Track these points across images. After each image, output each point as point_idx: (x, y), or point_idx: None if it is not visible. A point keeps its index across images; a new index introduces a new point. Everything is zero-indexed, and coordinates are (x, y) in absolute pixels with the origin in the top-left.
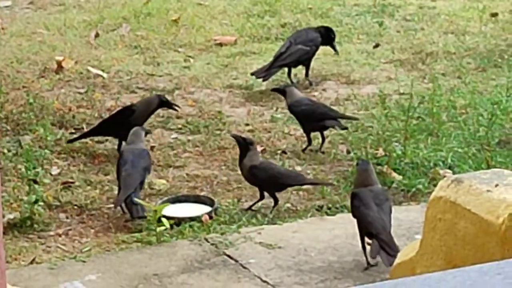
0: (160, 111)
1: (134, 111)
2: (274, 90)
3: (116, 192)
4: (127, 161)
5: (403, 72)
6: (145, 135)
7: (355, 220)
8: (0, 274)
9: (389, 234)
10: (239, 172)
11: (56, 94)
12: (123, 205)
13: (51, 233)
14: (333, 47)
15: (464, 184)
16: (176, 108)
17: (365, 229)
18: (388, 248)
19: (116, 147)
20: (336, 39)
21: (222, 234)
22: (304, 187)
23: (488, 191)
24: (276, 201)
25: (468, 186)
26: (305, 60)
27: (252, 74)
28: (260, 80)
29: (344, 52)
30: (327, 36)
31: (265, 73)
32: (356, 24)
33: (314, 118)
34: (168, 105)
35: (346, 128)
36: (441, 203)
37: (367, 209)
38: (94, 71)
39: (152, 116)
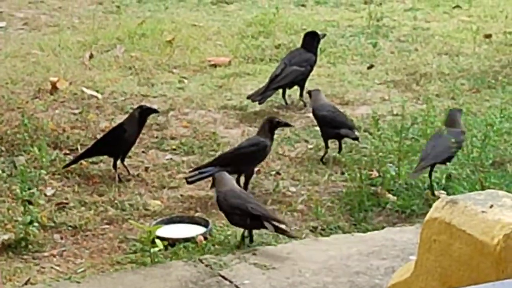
0: (154, 132)
1: (126, 130)
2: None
3: (109, 213)
4: None
5: (397, 93)
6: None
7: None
8: None
9: (271, 212)
10: None
11: (51, 115)
12: None
13: (46, 254)
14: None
15: (459, 205)
16: (158, 110)
17: (249, 215)
18: (278, 223)
19: (111, 167)
20: (330, 60)
21: (216, 255)
22: (299, 207)
23: (483, 212)
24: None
25: (463, 207)
26: (300, 81)
27: (248, 97)
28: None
29: (338, 73)
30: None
31: (260, 96)
32: (350, 45)
33: (331, 125)
34: (150, 111)
35: (357, 139)
36: (436, 224)
37: (243, 200)
38: (89, 92)
39: (146, 137)
